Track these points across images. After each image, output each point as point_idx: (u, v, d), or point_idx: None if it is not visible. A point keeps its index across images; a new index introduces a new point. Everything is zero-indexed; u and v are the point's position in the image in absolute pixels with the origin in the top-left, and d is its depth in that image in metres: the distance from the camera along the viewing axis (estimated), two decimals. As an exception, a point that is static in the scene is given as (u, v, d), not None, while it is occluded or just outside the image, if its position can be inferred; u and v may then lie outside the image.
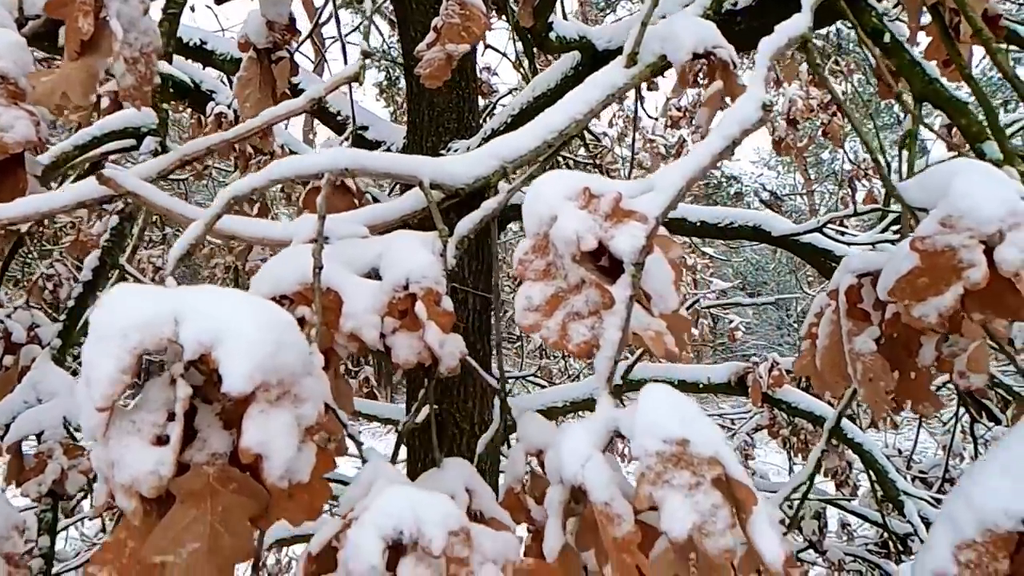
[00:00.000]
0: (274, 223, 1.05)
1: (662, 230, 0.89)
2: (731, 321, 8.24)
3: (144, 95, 1.08)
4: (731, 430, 6.43)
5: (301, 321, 0.93)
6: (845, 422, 3.68)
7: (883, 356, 1.24)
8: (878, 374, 1.23)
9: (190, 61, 3.31)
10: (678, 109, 6.50)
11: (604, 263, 0.91)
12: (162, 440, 0.69)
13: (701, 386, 4.34)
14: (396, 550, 0.66)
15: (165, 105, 2.23)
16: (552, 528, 0.77)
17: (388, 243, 0.99)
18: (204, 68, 3.40)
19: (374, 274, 0.99)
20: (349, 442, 0.96)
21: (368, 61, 1.37)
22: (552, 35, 2.44)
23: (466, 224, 1.12)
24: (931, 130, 1.33)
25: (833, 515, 6.20)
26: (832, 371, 1.33)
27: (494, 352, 4.37)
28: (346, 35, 5.91)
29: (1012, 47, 2.36)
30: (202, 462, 0.71)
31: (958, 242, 0.85)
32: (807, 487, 2.10)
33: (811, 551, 5.49)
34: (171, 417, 0.70)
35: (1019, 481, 0.79)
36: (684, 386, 4.45)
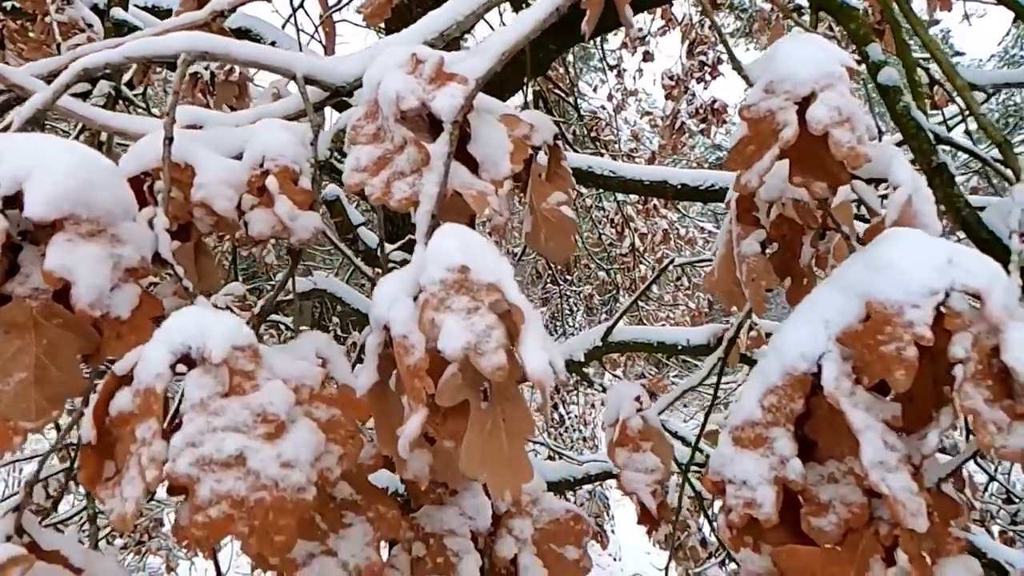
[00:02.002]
0: (147, 118, 1.09)
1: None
2: (728, 294, 8.20)
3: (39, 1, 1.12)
4: (718, 399, 6.43)
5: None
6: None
7: (774, 262, 1.28)
8: (760, 274, 1.25)
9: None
10: (670, 78, 6.47)
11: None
12: (-19, 271, 0.74)
13: (680, 347, 4.34)
14: (191, 366, 0.71)
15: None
16: (367, 367, 0.82)
17: (254, 128, 1.03)
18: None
19: (240, 158, 1.03)
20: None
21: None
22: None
23: (345, 119, 1.16)
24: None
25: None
26: (726, 277, 1.36)
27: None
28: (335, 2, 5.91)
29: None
30: (24, 295, 0.76)
31: (776, 105, 0.88)
32: (712, 397, 2.13)
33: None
34: (-8, 252, 0.74)
35: (816, 326, 0.81)
36: (663, 348, 4.45)
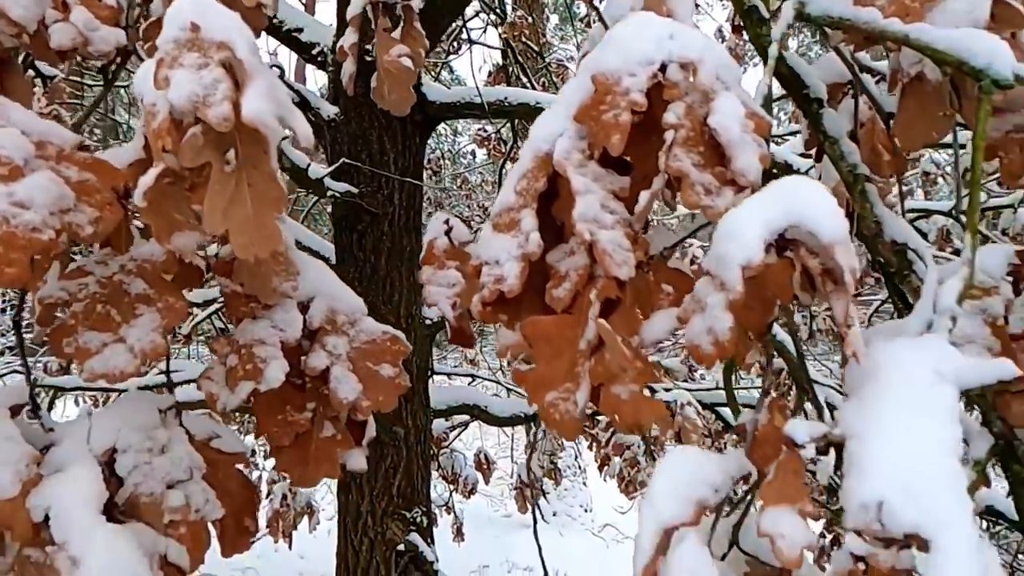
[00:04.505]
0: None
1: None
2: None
3: None
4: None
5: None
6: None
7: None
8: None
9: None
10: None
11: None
12: None
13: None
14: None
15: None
16: (133, 144, 0.86)
17: (65, -50, 1.06)
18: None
19: (53, -19, 1.06)
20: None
21: None
22: None
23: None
24: None
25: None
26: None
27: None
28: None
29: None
30: None
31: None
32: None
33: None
34: None
35: (559, 108, 0.86)
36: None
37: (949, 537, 0.53)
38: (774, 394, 0.70)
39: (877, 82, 1.34)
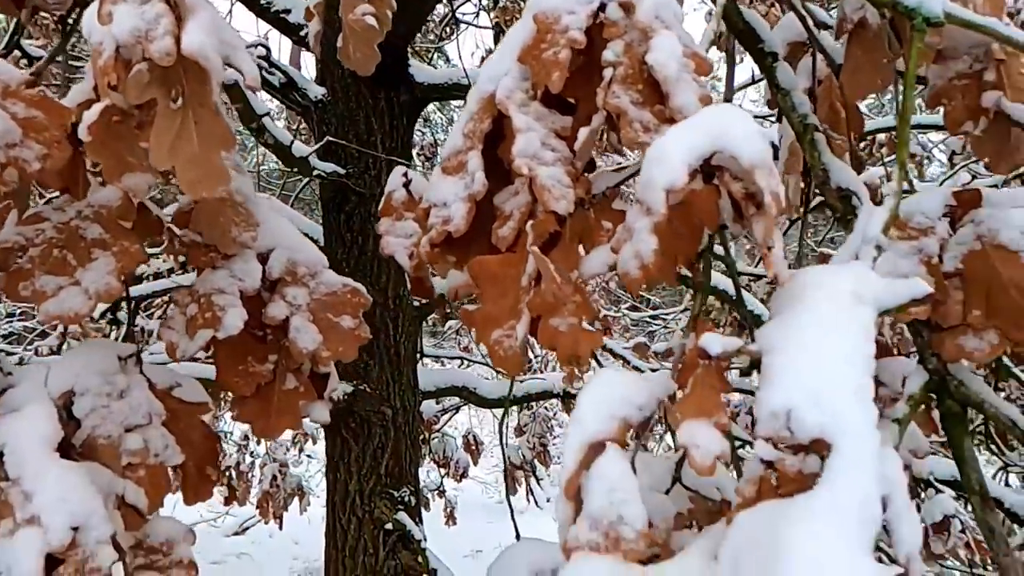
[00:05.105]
0: None
1: None
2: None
3: None
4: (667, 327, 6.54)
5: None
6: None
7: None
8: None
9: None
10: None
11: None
12: None
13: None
14: None
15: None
16: (83, 85, 0.87)
17: (24, -98, 1.07)
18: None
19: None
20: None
21: None
22: None
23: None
24: None
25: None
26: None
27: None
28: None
29: None
30: None
31: None
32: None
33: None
34: None
35: (505, 52, 0.87)
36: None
37: (850, 442, 0.54)
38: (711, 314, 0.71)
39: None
